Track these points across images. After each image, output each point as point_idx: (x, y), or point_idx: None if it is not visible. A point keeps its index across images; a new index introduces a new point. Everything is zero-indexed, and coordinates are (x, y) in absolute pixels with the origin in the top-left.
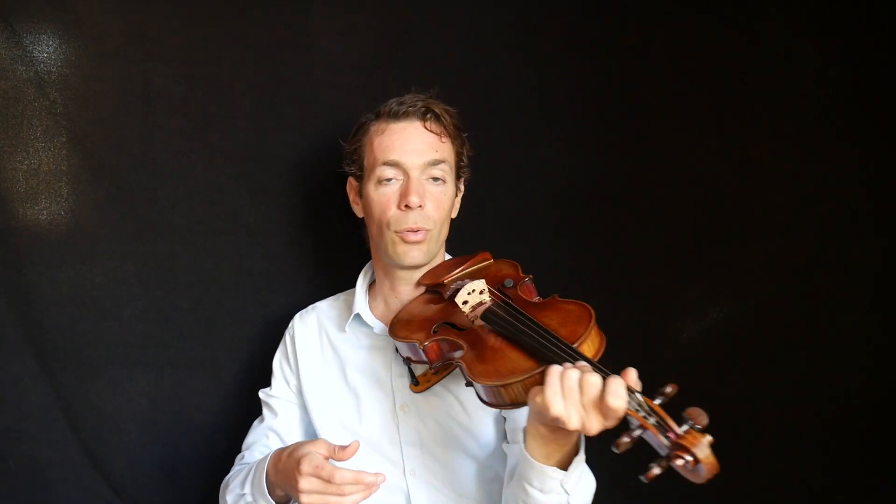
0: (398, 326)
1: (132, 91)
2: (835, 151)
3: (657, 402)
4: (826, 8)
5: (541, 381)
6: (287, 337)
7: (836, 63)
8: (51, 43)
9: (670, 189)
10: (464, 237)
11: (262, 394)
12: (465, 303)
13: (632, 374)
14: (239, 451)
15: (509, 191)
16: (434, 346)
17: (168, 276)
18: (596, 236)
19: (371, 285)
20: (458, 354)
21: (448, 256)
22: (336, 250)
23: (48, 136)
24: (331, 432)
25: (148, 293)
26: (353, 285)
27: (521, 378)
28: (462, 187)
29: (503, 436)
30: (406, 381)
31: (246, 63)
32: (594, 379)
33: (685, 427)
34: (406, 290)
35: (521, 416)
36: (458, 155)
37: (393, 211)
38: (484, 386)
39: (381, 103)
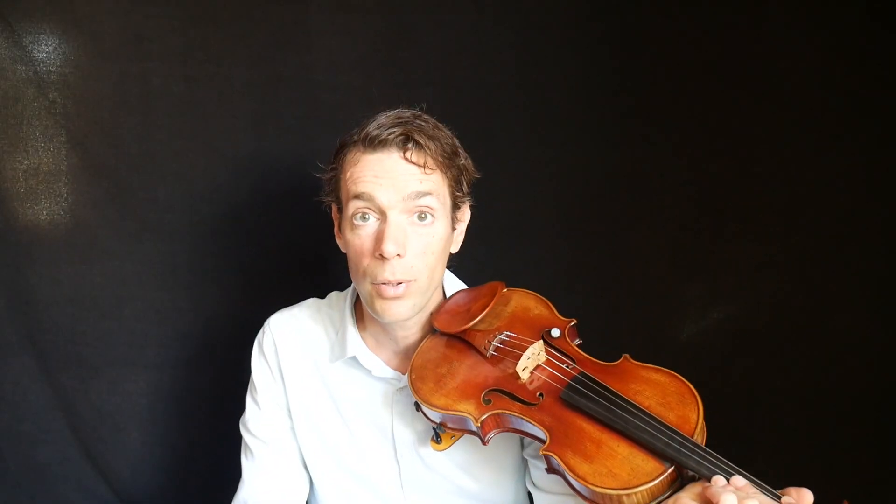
0: (427, 390)
1: (132, 91)
2: (835, 151)
3: None
4: (827, 7)
5: (669, 483)
6: (266, 346)
7: (837, 62)
8: (50, 43)
9: (670, 189)
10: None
11: (246, 427)
12: (524, 369)
13: (808, 499)
14: (237, 449)
15: (509, 191)
16: (491, 420)
17: (168, 276)
18: (596, 236)
19: (356, 306)
20: (537, 438)
21: (449, 287)
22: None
23: (48, 136)
24: (324, 467)
25: (148, 293)
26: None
27: (649, 485)
28: (465, 217)
29: (521, 486)
30: (412, 432)
31: (246, 63)
32: None
33: None
34: (401, 334)
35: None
36: (455, 184)
37: (368, 261)
38: (592, 490)
39: (380, 105)
